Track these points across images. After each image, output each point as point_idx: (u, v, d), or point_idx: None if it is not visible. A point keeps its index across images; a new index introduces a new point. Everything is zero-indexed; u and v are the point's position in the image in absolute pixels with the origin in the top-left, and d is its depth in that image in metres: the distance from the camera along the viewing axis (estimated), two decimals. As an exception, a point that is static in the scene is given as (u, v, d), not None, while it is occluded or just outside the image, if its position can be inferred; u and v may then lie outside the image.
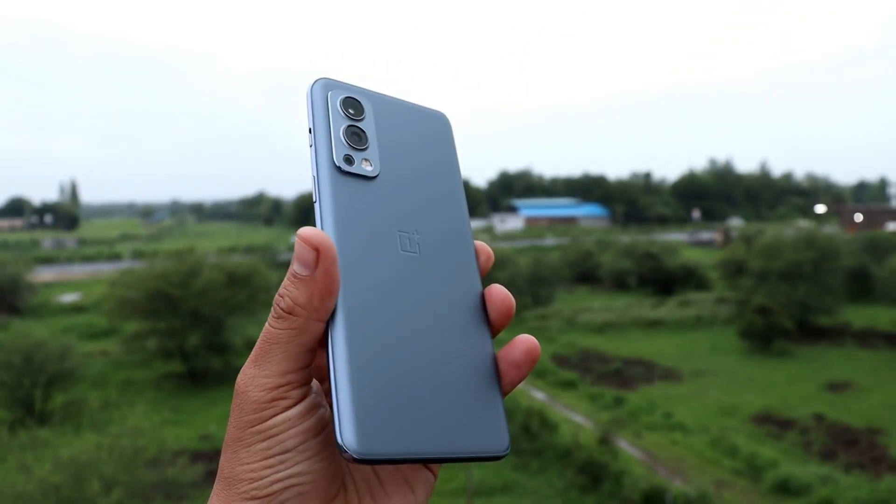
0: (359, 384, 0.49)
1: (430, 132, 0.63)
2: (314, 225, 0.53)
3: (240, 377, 0.50)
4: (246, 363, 0.51)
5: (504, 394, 0.55)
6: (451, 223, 0.59)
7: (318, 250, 0.49)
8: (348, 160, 0.56)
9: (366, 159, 0.57)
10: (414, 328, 0.53)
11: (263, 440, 0.48)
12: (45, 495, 7.50)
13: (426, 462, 0.50)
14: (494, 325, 0.57)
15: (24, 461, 8.53)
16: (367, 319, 0.51)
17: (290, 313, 0.49)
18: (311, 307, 0.49)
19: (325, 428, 0.50)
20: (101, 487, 7.61)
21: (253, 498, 0.48)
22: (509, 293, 0.56)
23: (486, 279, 0.59)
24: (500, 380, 0.55)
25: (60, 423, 13.02)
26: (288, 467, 0.48)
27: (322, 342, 0.51)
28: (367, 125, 0.59)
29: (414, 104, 0.63)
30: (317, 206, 0.54)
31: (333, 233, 0.53)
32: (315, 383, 0.53)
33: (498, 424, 0.53)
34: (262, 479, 0.48)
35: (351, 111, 0.59)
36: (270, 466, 0.48)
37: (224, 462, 0.49)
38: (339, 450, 0.47)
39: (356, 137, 0.57)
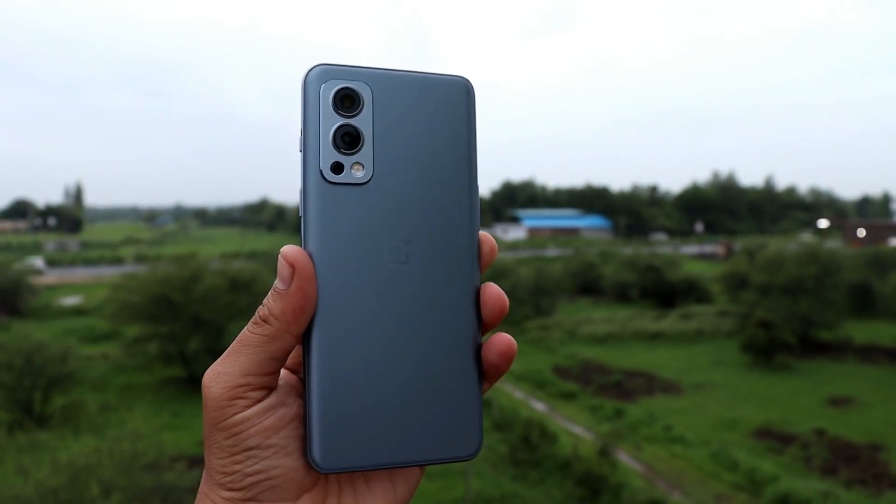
0: (326, 402, 0.52)
1: (441, 108, 0.58)
2: (300, 241, 0.55)
3: (206, 372, 0.54)
4: (216, 361, 0.54)
5: (485, 389, 0.57)
6: (452, 219, 0.57)
7: (293, 267, 0.52)
8: (337, 168, 0.54)
9: (357, 163, 0.55)
10: (390, 342, 0.54)
11: (228, 437, 0.52)
12: (42, 498, 7.46)
13: (391, 468, 0.54)
14: (486, 323, 0.57)
15: (22, 464, 8.49)
16: (340, 337, 0.53)
17: (265, 322, 0.52)
18: (284, 320, 0.52)
19: (287, 424, 0.53)
20: (100, 491, 7.58)
21: (230, 489, 0.52)
22: (502, 292, 0.57)
23: (491, 277, 0.58)
24: (481, 379, 0.57)
25: (59, 425, 12.99)
26: (255, 463, 0.51)
27: (293, 355, 0.55)
28: (364, 120, 0.56)
29: (427, 75, 0.58)
30: (302, 220, 0.54)
31: (316, 251, 0.53)
32: (284, 381, 0.56)
33: (470, 427, 0.55)
34: (233, 473, 0.52)
35: (346, 105, 0.55)
36: (239, 462, 0.51)
37: (205, 454, 0.54)
38: (309, 461, 0.52)
39: (348, 138, 0.55)
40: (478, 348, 0.56)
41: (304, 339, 0.53)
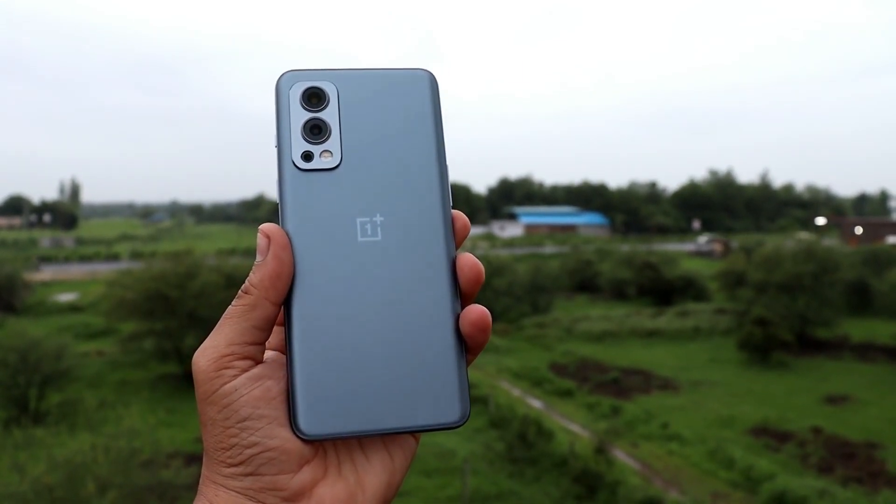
0: (307, 369, 0.55)
1: (404, 99, 0.62)
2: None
3: (196, 352, 0.56)
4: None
5: (469, 360, 0.58)
6: (422, 196, 0.60)
7: (269, 238, 0.55)
8: (307, 157, 0.59)
9: (326, 151, 0.59)
10: (367, 313, 0.56)
11: (219, 410, 0.53)
12: (38, 496, 7.44)
13: (374, 436, 0.56)
14: (465, 293, 0.59)
15: (18, 460, 8.48)
16: (319, 309, 0.56)
17: (245, 293, 0.55)
18: (262, 287, 0.54)
19: (277, 396, 0.54)
20: (96, 489, 7.56)
21: (229, 465, 0.52)
22: (477, 260, 0.59)
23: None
24: (462, 348, 0.57)
25: (55, 422, 12.97)
26: (250, 434, 0.52)
27: (276, 324, 0.58)
28: (330, 113, 0.60)
29: (390, 70, 0.63)
30: (279, 207, 0.58)
31: (292, 230, 0.57)
32: (270, 357, 0.58)
33: (452, 395, 0.56)
34: (231, 447, 0.52)
35: (313, 102, 0.60)
36: (234, 436, 0.52)
37: (203, 438, 0.54)
38: (293, 429, 0.54)
39: (316, 130, 0.60)
40: (457, 318, 0.58)
41: (286, 310, 0.56)
